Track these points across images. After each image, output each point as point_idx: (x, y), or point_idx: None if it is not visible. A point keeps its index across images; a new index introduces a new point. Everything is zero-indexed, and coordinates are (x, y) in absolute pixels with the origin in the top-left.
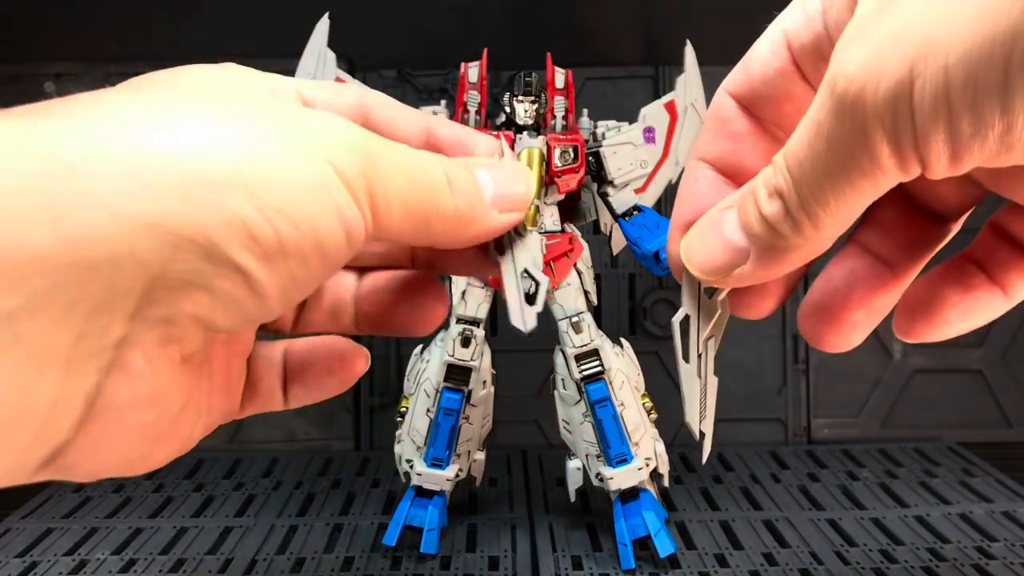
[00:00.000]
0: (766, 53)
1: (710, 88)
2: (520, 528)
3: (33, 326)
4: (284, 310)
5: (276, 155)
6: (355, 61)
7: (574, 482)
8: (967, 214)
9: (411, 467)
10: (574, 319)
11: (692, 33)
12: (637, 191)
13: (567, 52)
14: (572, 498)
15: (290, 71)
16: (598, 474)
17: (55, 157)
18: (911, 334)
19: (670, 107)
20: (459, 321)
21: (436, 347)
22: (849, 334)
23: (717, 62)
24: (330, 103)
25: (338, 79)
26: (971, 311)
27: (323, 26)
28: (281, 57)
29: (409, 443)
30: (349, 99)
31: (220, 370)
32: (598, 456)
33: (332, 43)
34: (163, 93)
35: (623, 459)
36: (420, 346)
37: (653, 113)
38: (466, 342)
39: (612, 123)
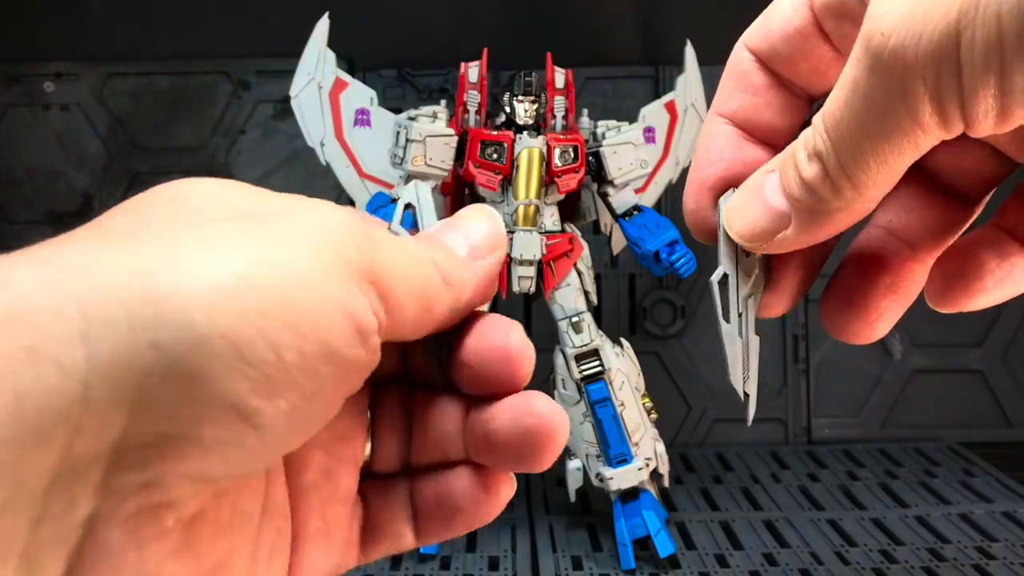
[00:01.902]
0: (787, 10)
1: (710, 88)
2: (520, 528)
3: None
4: (297, 441)
5: (264, 252)
6: (355, 61)
7: (574, 482)
8: (991, 194)
9: None
10: (574, 319)
11: (692, 33)
12: (637, 191)
13: (567, 52)
14: (572, 498)
15: (290, 71)
16: (598, 474)
17: None
18: (946, 302)
19: (670, 107)
20: None
21: None
22: (876, 323)
23: (717, 62)
24: None
25: (338, 79)
26: (1008, 278)
27: (323, 26)
28: (281, 57)
29: None
30: None
31: (284, 524)
32: (598, 456)
33: (332, 43)
34: (131, 219)
35: (623, 459)
36: None
37: (653, 113)
38: None
39: (612, 123)
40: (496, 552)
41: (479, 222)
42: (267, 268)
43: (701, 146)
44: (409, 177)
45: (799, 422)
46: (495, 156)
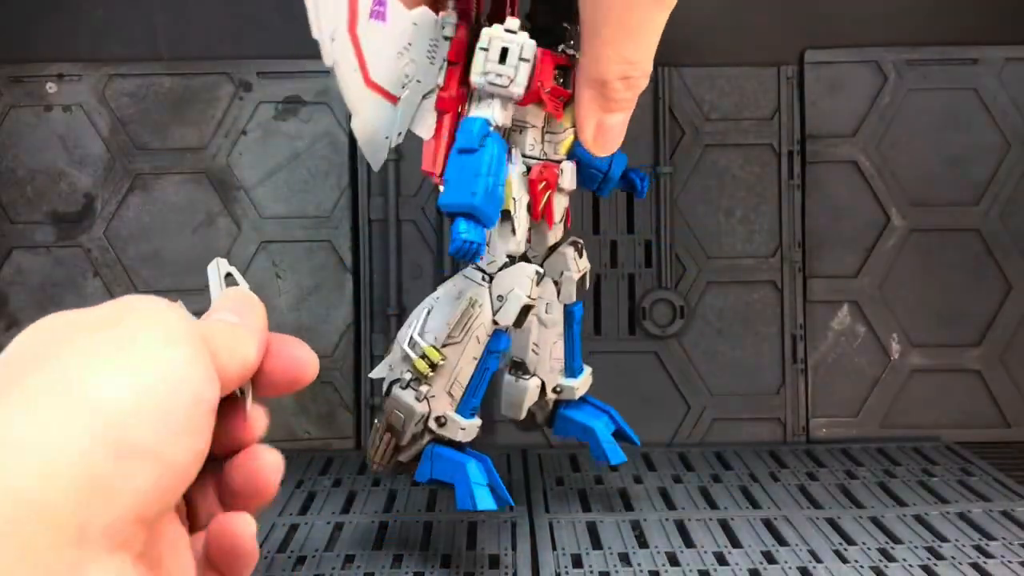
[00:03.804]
0: None
1: (709, 90)
2: (520, 526)
3: None
4: (196, 464)
5: (136, 366)
6: None
7: (530, 400)
8: None
9: (441, 424)
10: (579, 244)
11: (691, 33)
12: None
13: None
14: (522, 416)
15: (291, 72)
16: (557, 387)
17: None
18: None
19: None
20: (522, 259)
21: (483, 291)
22: None
23: (717, 63)
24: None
25: None
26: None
27: None
28: (282, 58)
29: (444, 397)
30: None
31: (172, 569)
32: (561, 371)
33: None
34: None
35: (580, 370)
36: (454, 291)
37: None
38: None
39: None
40: (496, 550)
41: (235, 300)
42: (159, 369)
43: None
44: (491, 99)
45: (798, 422)
46: (561, 81)
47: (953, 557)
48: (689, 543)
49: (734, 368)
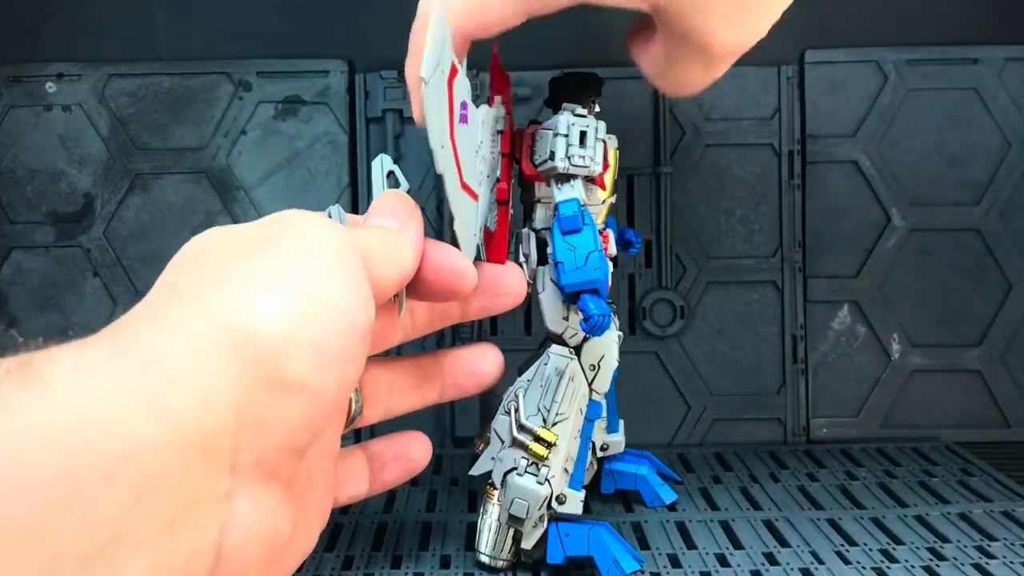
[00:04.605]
0: None
1: (710, 89)
2: None
3: (156, 504)
4: (346, 393)
5: (305, 282)
6: (355, 62)
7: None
8: None
9: (561, 502)
10: (614, 307)
11: None
12: None
13: (566, 53)
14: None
15: (290, 72)
16: (603, 445)
17: (137, 352)
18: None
19: None
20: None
21: (576, 364)
22: None
23: None
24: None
25: (453, 64)
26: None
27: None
28: (282, 58)
29: (562, 476)
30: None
31: (317, 481)
32: (604, 428)
33: (332, 44)
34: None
35: (618, 422)
36: (551, 371)
37: None
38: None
39: None
40: None
41: (394, 204)
42: (313, 298)
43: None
44: (563, 179)
45: (798, 422)
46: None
47: (955, 558)
48: (691, 544)
49: (734, 368)
